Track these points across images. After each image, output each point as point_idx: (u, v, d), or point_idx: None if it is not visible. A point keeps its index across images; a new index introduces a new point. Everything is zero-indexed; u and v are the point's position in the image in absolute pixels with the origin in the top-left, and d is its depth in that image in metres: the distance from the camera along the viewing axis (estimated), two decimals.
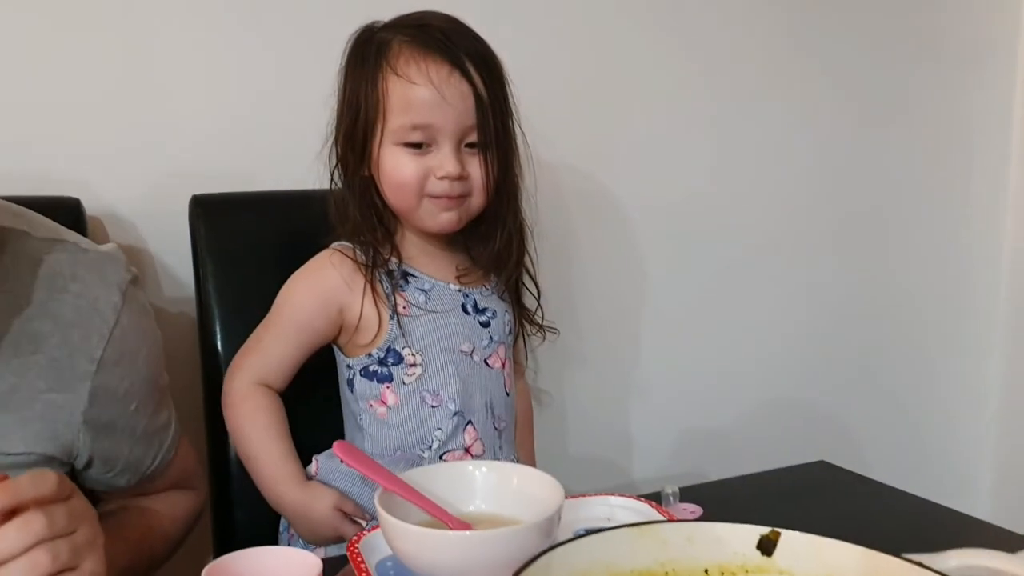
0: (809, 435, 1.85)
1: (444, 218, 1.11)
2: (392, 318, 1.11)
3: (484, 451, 1.14)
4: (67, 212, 1.18)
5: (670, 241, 1.73)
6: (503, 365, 1.18)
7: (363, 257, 1.12)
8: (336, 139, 1.13)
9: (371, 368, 1.12)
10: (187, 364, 1.27)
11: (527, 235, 1.20)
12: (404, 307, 1.12)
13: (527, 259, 1.22)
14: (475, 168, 1.09)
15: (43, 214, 0.93)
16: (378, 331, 1.11)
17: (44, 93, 1.25)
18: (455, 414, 1.12)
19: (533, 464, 1.26)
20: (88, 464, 0.91)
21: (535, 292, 1.25)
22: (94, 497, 0.96)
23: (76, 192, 1.22)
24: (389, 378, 1.12)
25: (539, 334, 1.28)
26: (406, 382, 1.11)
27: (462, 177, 1.08)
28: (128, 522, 0.96)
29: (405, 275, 1.14)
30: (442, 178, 1.07)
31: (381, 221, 1.14)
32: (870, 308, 1.95)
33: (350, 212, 1.13)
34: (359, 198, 1.13)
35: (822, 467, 1.26)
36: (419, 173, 1.07)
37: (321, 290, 1.12)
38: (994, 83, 2.00)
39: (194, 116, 1.33)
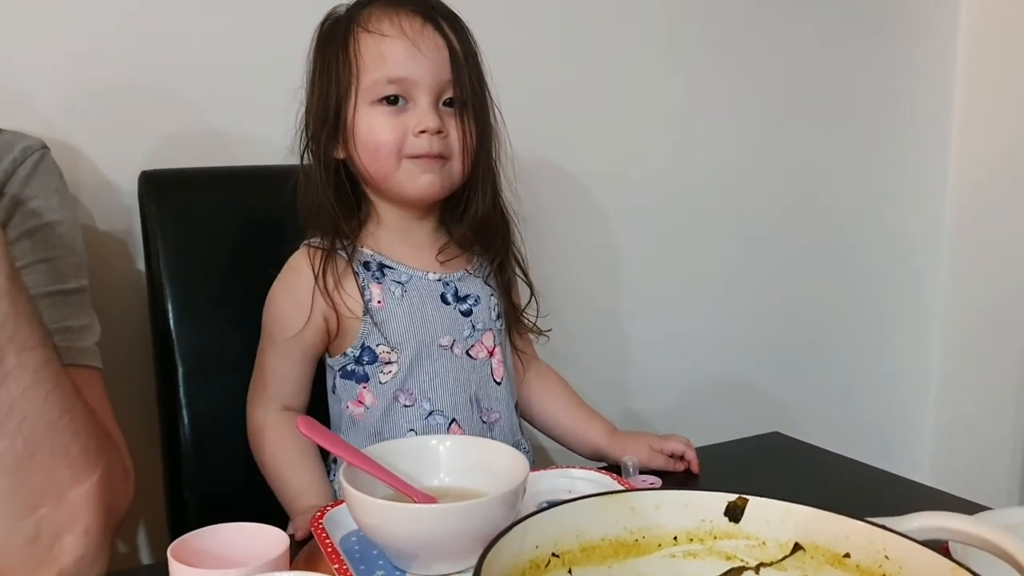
0: (755, 412, 1.87)
1: (425, 180, 1.05)
2: (365, 313, 1.06)
3: None
4: None
5: (612, 220, 1.72)
6: (490, 353, 1.13)
7: (339, 247, 1.07)
8: (307, 120, 1.09)
9: (348, 368, 1.08)
10: (138, 347, 1.24)
11: (510, 214, 1.15)
12: (379, 301, 1.07)
13: (515, 246, 1.17)
14: (453, 128, 1.05)
15: None
16: (352, 327, 1.07)
17: None
18: (430, 414, 1.08)
19: (601, 418, 1.21)
20: None
21: (529, 289, 1.19)
22: None
23: None
24: (365, 378, 1.08)
25: (534, 334, 1.22)
26: (383, 381, 1.07)
27: (441, 132, 1.04)
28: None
29: (381, 266, 1.09)
30: (420, 133, 1.03)
31: (358, 206, 1.10)
32: (815, 284, 1.97)
33: (322, 197, 1.08)
34: (332, 182, 1.08)
35: (776, 438, 1.28)
36: (396, 132, 1.03)
37: (300, 298, 1.06)
38: (936, 56, 2.04)
39: (143, 87, 1.29)
